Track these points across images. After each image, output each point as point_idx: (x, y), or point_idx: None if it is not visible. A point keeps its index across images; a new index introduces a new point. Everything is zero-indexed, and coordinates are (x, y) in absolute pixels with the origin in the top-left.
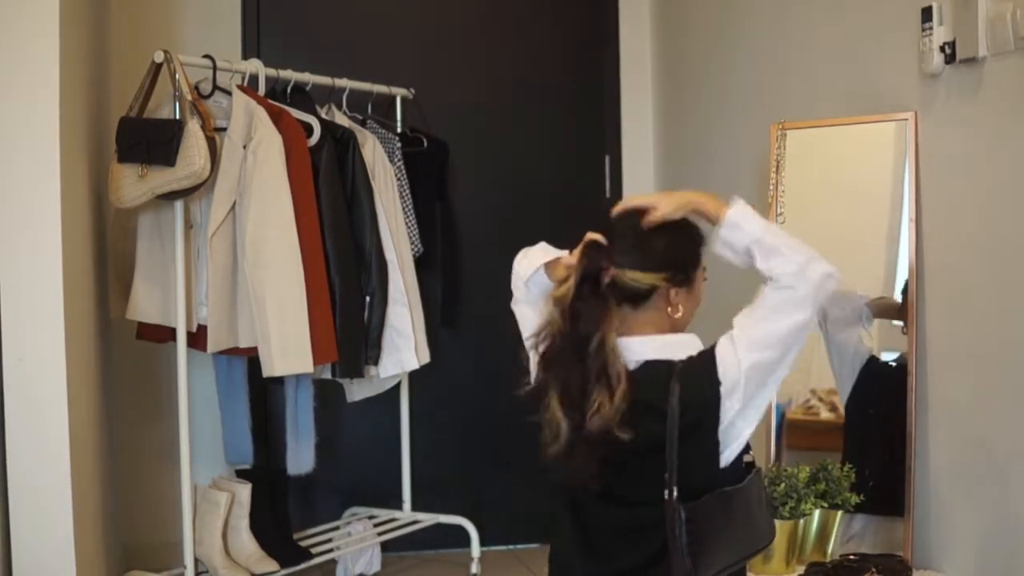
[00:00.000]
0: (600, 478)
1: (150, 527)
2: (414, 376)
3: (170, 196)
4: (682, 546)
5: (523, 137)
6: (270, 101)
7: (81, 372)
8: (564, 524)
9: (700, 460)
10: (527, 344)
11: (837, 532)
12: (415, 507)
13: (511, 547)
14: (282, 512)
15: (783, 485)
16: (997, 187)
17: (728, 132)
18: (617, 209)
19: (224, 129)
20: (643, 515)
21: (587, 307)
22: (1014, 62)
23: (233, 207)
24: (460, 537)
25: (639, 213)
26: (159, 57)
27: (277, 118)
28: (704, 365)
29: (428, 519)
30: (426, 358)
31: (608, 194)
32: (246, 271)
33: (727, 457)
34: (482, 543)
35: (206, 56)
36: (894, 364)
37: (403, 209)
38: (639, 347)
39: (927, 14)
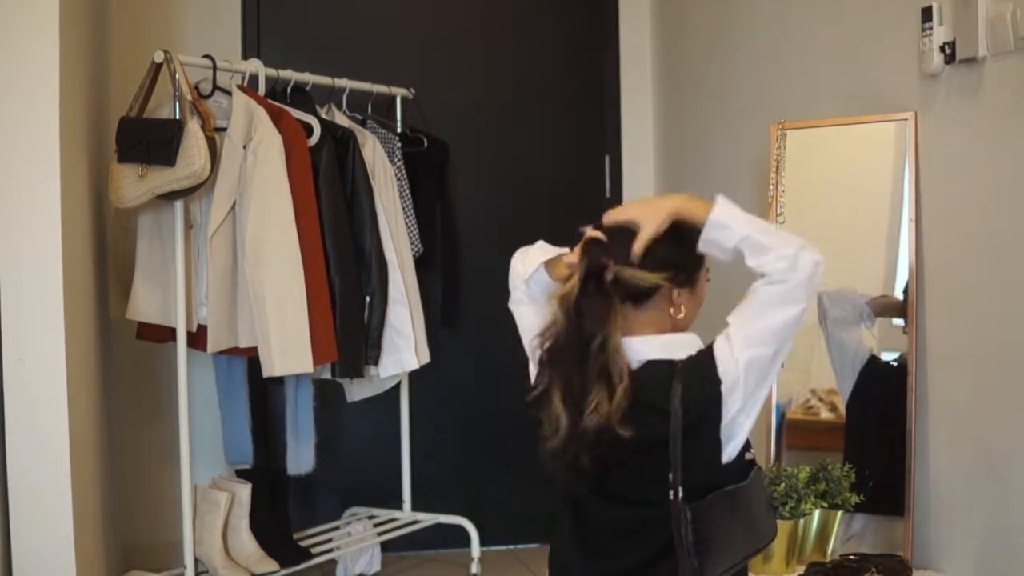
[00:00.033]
0: (591, 477)
1: (150, 527)
2: (414, 376)
3: (170, 196)
4: (688, 546)
5: (523, 137)
6: (270, 101)
7: (81, 372)
8: (564, 524)
9: (703, 458)
10: (526, 344)
11: (837, 532)
12: (415, 507)
13: (511, 547)
14: (282, 512)
15: (783, 485)
16: (997, 187)
17: (728, 132)
18: (605, 222)
19: (224, 129)
20: (644, 514)
21: (591, 305)
22: (1014, 62)
23: (233, 207)
24: (460, 537)
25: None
26: (159, 57)
27: (277, 118)
28: (704, 364)
29: (428, 519)
30: (426, 358)
31: (608, 194)
32: (246, 271)
33: (729, 453)
34: (482, 543)
35: (206, 56)
36: (894, 364)
37: (403, 209)
38: (641, 347)
39: (927, 14)
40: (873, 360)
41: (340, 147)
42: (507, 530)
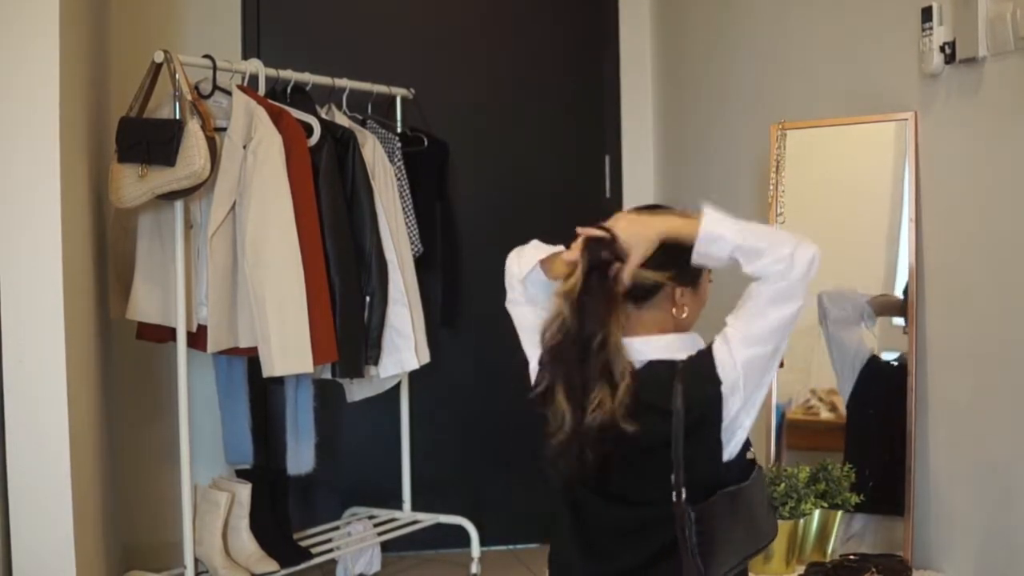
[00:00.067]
0: (595, 476)
1: (150, 527)
2: (414, 376)
3: (170, 196)
4: (692, 547)
5: (523, 137)
6: (270, 101)
7: (81, 372)
8: (564, 524)
9: (705, 458)
10: (525, 344)
11: (837, 532)
12: (415, 507)
13: (511, 547)
14: (282, 512)
15: (783, 485)
16: (997, 187)
17: (728, 132)
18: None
19: (224, 129)
20: (645, 515)
21: (594, 301)
22: (1014, 62)
23: (233, 207)
24: (460, 537)
25: (648, 209)
26: (159, 57)
27: (277, 118)
28: (704, 365)
29: (428, 519)
30: (426, 358)
31: (608, 194)
32: (246, 271)
33: (731, 451)
34: (482, 543)
35: (206, 56)
36: (894, 364)
37: (403, 209)
38: (642, 347)
39: (927, 14)
40: (873, 360)
41: (340, 147)
42: (507, 530)
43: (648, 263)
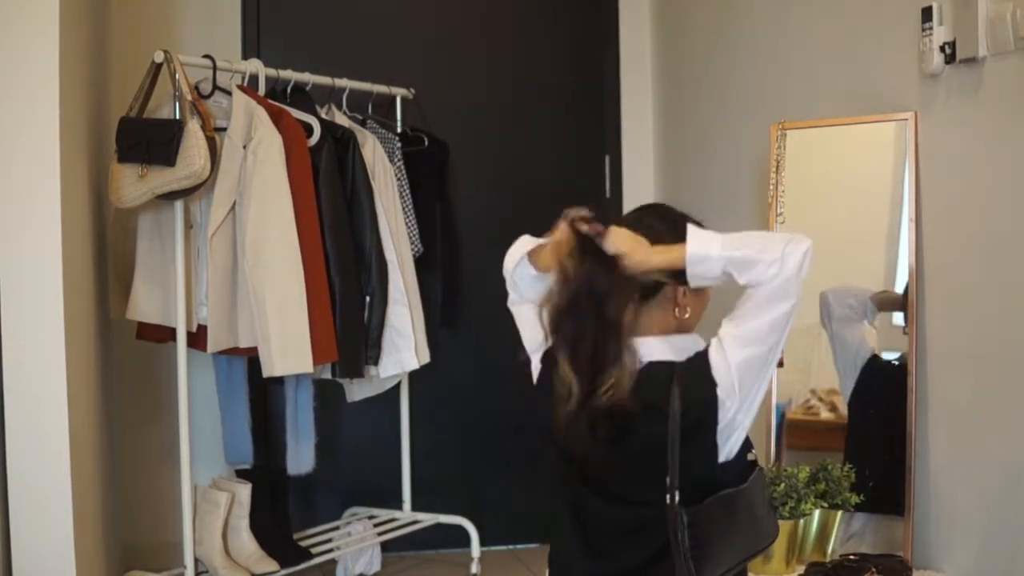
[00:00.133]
0: (595, 476)
1: (150, 527)
2: (414, 376)
3: (170, 196)
4: (684, 550)
5: (523, 137)
6: (270, 101)
7: (81, 372)
8: (564, 524)
9: (701, 459)
10: (526, 343)
11: (837, 532)
12: (415, 507)
13: (511, 547)
14: (282, 512)
15: (783, 485)
16: (997, 187)
17: (728, 132)
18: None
19: (224, 129)
20: (644, 515)
21: (598, 267)
22: (1014, 62)
23: (233, 207)
24: (460, 537)
25: (650, 207)
26: (159, 57)
27: (277, 118)
28: (700, 367)
29: (428, 519)
30: (426, 358)
31: (608, 194)
32: (246, 271)
33: (728, 451)
34: (482, 543)
35: (206, 56)
36: (895, 364)
37: (403, 209)
38: (643, 347)
39: (927, 14)
40: (874, 359)
41: (340, 147)
42: (507, 530)
43: None
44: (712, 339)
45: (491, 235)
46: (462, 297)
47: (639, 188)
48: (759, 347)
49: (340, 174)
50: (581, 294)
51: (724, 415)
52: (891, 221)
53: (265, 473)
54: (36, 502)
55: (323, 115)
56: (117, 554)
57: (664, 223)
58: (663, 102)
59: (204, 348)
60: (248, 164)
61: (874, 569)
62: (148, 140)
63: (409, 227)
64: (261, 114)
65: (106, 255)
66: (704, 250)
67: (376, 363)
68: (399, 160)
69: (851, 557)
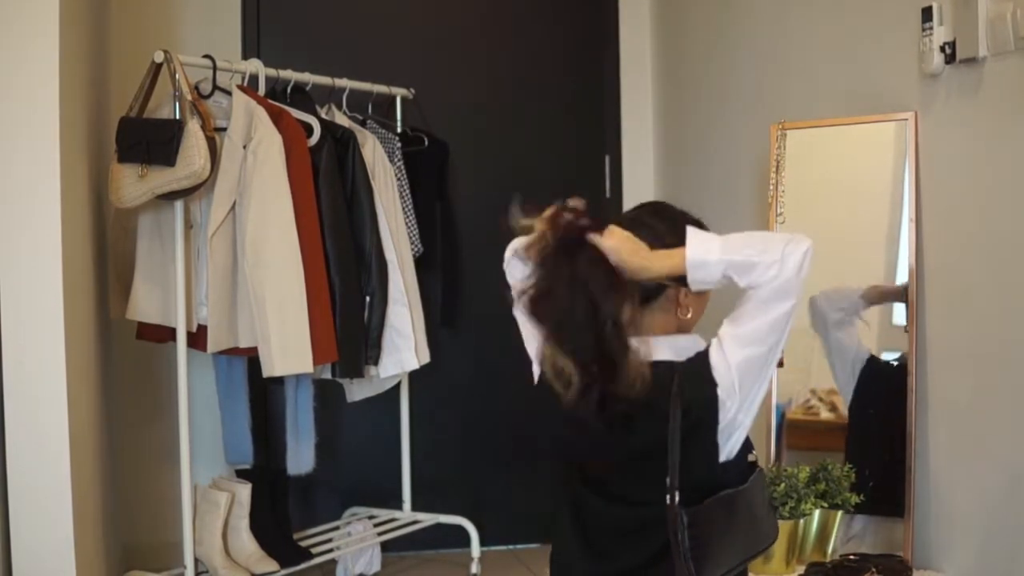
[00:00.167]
0: (595, 477)
1: (150, 527)
2: (414, 376)
3: (170, 196)
4: (684, 551)
5: (523, 137)
6: (270, 101)
7: (81, 372)
8: (564, 524)
9: (702, 459)
10: (529, 348)
11: (837, 532)
12: (415, 507)
13: (511, 547)
14: (282, 512)
15: (783, 485)
16: (997, 187)
17: (728, 132)
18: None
19: (224, 129)
20: (644, 515)
21: (588, 258)
22: (1014, 62)
23: (233, 207)
24: (460, 537)
25: (649, 206)
26: (159, 57)
27: (277, 118)
28: (701, 367)
29: (428, 519)
30: (426, 358)
31: (608, 194)
32: (246, 271)
33: (729, 451)
34: (482, 543)
35: (206, 56)
36: (894, 364)
37: (403, 209)
38: (644, 347)
39: (927, 14)
40: (872, 360)
41: (340, 147)
42: (507, 530)
43: None
44: (712, 339)
45: (491, 235)
46: (462, 297)
47: (639, 188)
48: (759, 347)
49: (340, 174)
50: (575, 289)
51: (725, 415)
52: (891, 221)
53: (265, 473)
54: (36, 502)
55: (323, 115)
56: (117, 554)
57: (664, 222)
58: (663, 102)
59: (204, 348)
60: (248, 164)
61: (874, 569)
62: (148, 140)
63: (409, 227)
64: (261, 114)
65: (106, 255)
66: (703, 255)
67: (376, 363)
68: (399, 160)
69: (851, 557)
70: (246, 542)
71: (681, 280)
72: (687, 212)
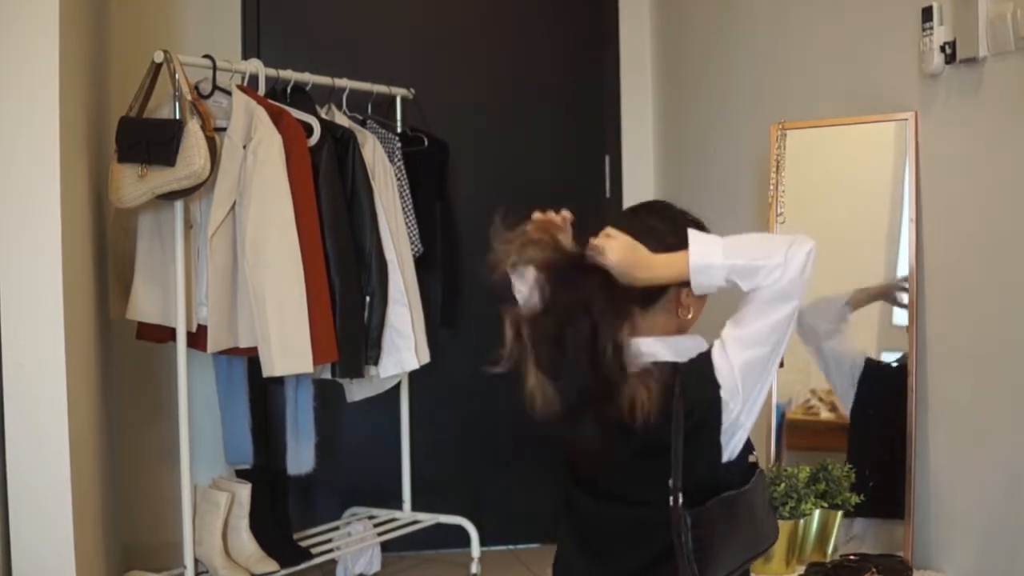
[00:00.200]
0: (595, 477)
1: (150, 527)
2: (414, 376)
3: (170, 196)
4: (688, 552)
5: (523, 137)
6: (270, 101)
7: (81, 373)
8: (565, 525)
9: (704, 460)
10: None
11: (837, 532)
12: (415, 507)
13: (511, 547)
14: (282, 512)
15: (783, 485)
16: (997, 187)
17: (728, 132)
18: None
19: (224, 129)
20: (645, 516)
21: (589, 282)
22: (1014, 62)
23: (233, 207)
24: (460, 537)
25: (648, 206)
26: (159, 57)
27: (277, 118)
28: (703, 368)
29: (428, 519)
30: (426, 358)
31: (608, 194)
32: (246, 271)
33: (731, 452)
34: (482, 543)
35: (206, 56)
36: (893, 365)
37: (403, 209)
38: (646, 348)
39: (927, 14)
40: (870, 362)
41: (340, 147)
42: (507, 530)
43: None
44: (715, 340)
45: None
46: (462, 297)
47: (639, 188)
48: (762, 348)
49: (340, 174)
50: (576, 319)
51: (727, 416)
52: (891, 221)
53: (265, 473)
54: (36, 502)
55: (323, 115)
56: (117, 554)
57: (664, 222)
58: (663, 102)
59: (204, 348)
60: (248, 164)
61: (874, 569)
62: (148, 140)
63: (409, 227)
64: (261, 114)
65: (106, 255)
66: (707, 260)
67: (376, 363)
68: (399, 160)
69: (851, 557)
70: (246, 542)
71: (684, 282)
72: (687, 212)
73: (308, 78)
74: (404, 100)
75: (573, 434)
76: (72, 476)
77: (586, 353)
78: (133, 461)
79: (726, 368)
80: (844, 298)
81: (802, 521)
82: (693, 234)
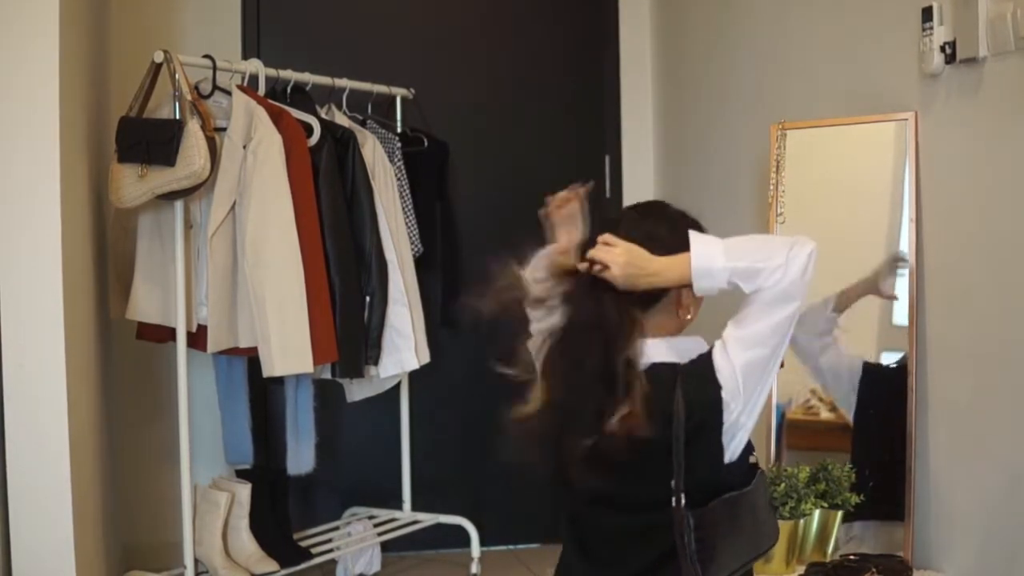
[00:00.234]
0: (596, 479)
1: (150, 527)
2: (414, 376)
3: (170, 196)
4: (691, 553)
5: (523, 137)
6: (270, 101)
7: (81, 373)
8: (567, 529)
9: (706, 461)
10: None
11: (837, 532)
12: (415, 507)
13: (511, 547)
14: (282, 512)
15: (783, 485)
16: (997, 187)
17: (728, 132)
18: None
19: (224, 129)
20: (646, 519)
21: (599, 308)
22: (1014, 62)
23: (233, 207)
24: (460, 537)
25: (646, 208)
26: (159, 57)
27: (277, 118)
28: (704, 369)
29: (428, 519)
30: (426, 358)
31: (608, 194)
32: (246, 271)
33: (732, 453)
34: (482, 543)
35: (206, 56)
36: (891, 366)
37: (403, 209)
38: (648, 349)
39: (927, 14)
40: (867, 365)
41: (340, 147)
42: (507, 530)
43: None
44: (716, 341)
45: (491, 235)
46: (462, 297)
47: (639, 188)
48: (763, 349)
49: (340, 174)
50: (587, 337)
51: (728, 416)
52: (891, 221)
53: (265, 473)
54: (36, 502)
55: (323, 115)
56: (117, 554)
57: (664, 225)
58: (663, 102)
59: (204, 348)
60: (248, 164)
61: (874, 569)
62: (148, 140)
63: (409, 227)
64: (261, 114)
65: (106, 255)
66: (708, 263)
67: (376, 363)
68: (399, 160)
69: (851, 557)
70: (246, 542)
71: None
72: (685, 212)
73: (308, 78)
74: (404, 100)
75: (577, 443)
76: (72, 476)
77: (600, 372)
78: (133, 461)
79: (727, 369)
80: (829, 305)
81: (802, 521)
82: (695, 236)
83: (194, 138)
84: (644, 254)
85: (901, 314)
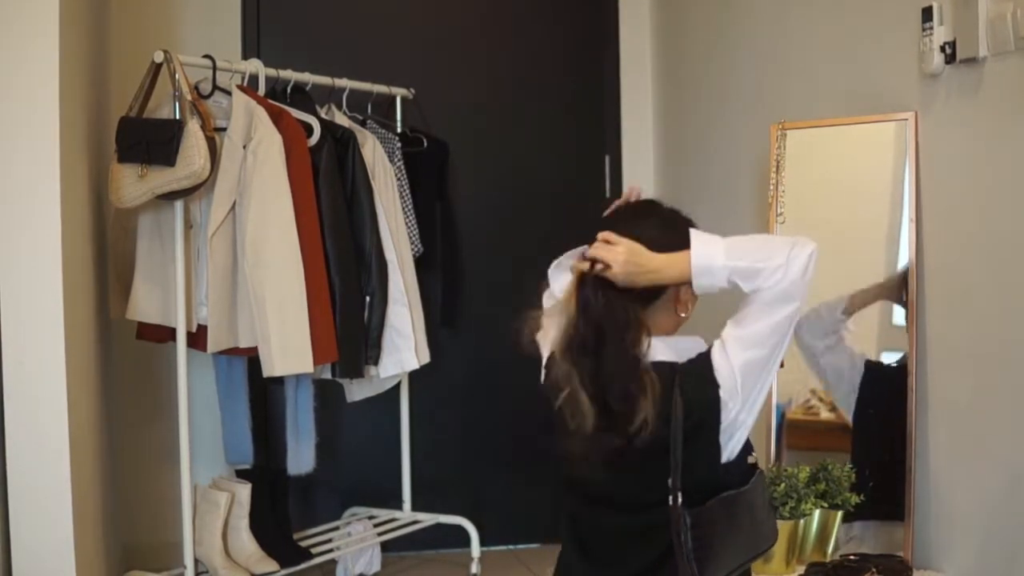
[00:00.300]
0: (596, 480)
1: (150, 527)
2: (414, 376)
3: (170, 196)
4: (688, 552)
5: (523, 137)
6: (270, 101)
7: (81, 373)
8: (567, 528)
9: (704, 460)
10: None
11: (837, 532)
12: (415, 507)
13: (511, 547)
14: (282, 512)
15: (783, 485)
16: (997, 187)
17: (728, 132)
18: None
19: (224, 129)
20: (645, 519)
21: (610, 310)
22: (1014, 62)
23: (233, 207)
24: (460, 537)
25: (643, 209)
26: (159, 57)
27: (277, 118)
28: (703, 368)
29: (428, 519)
30: (426, 358)
31: (608, 194)
32: (246, 271)
33: (730, 452)
34: (482, 543)
35: (206, 56)
36: (892, 365)
37: (403, 209)
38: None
39: (927, 14)
40: (869, 364)
41: (340, 147)
42: (507, 530)
43: None
44: (715, 341)
45: (491, 235)
46: (462, 297)
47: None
48: (762, 349)
49: (340, 174)
50: (605, 332)
51: (727, 416)
52: (891, 221)
53: (265, 473)
54: (36, 502)
55: (323, 115)
56: (117, 554)
57: (659, 224)
58: (663, 102)
59: (204, 348)
60: (248, 164)
61: (874, 569)
62: (148, 140)
63: (409, 227)
64: (261, 114)
65: (106, 255)
66: (708, 261)
67: (376, 363)
68: (399, 160)
69: (851, 557)
70: (246, 542)
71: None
72: (678, 210)
73: (308, 78)
74: (404, 100)
75: (591, 445)
76: (72, 476)
77: (610, 371)
78: (133, 461)
79: (726, 368)
80: (839, 307)
81: (802, 521)
82: (695, 234)
83: (194, 138)
84: (644, 251)
85: (901, 314)
